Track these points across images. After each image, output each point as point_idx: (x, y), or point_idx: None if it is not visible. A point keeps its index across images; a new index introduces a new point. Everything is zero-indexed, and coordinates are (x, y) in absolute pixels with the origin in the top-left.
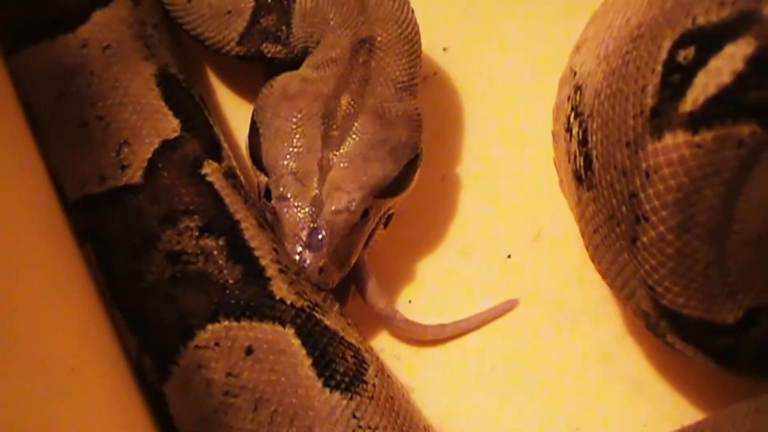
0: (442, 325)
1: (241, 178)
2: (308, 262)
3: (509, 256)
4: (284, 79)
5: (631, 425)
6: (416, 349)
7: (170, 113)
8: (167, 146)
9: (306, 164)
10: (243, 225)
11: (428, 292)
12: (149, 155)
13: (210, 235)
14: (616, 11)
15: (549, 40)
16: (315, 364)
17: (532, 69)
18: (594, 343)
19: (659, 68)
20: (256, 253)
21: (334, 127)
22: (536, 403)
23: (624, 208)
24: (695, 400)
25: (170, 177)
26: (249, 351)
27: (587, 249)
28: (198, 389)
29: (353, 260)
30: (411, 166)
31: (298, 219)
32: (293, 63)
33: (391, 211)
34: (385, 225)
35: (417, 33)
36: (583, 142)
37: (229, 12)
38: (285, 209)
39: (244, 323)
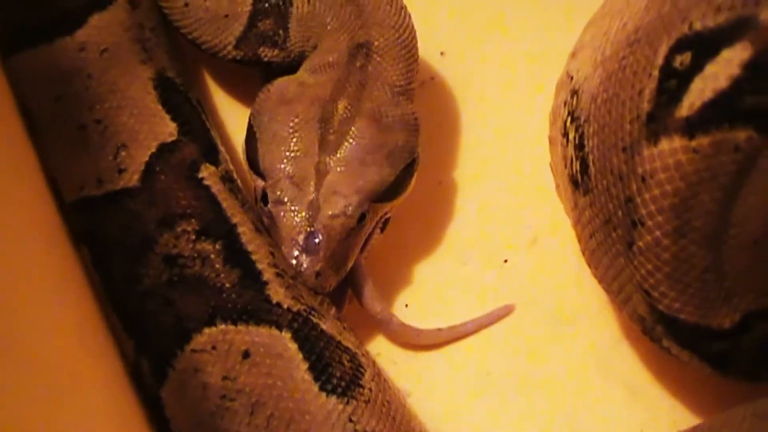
0: (439, 330)
1: (238, 181)
2: (305, 266)
3: (506, 261)
4: (281, 83)
5: (627, 429)
6: (413, 354)
7: (167, 117)
8: (164, 150)
9: (303, 168)
10: (240, 229)
11: (425, 296)
12: (146, 159)
13: (207, 238)
14: (612, 16)
15: (546, 45)
16: (311, 369)
17: (528, 73)
18: (590, 348)
19: (656, 73)
20: (253, 257)
21: (331, 131)
22: (533, 408)
23: (620, 213)
24: (691, 404)
25: (167, 180)
26: (246, 355)
27: (583, 254)
28: (195, 393)
29: (350, 264)
30: (408, 170)
31: (295, 223)
32: (290, 67)
33: (388, 216)
34: (382, 229)
35: (414, 37)
36: (580, 146)
37: (227, 16)
38: (282, 213)
39: (241, 327)
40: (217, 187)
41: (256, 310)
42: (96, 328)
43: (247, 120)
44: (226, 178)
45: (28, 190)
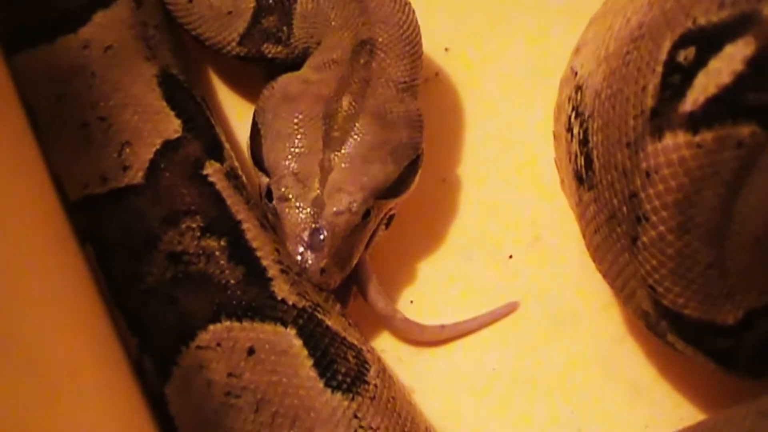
0: (443, 326)
1: (243, 178)
2: (310, 262)
3: (510, 257)
4: (285, 80)
5: (631, 426)
6: (418, 350)
7: (172, 114)
8: (169, 147)
9: (307, 165)
10: (244, 225)
11: (429, 292)
12: (151, 156)
13: (211, 235)
14: (616, 12)
15: (550, 41)
16: (316, 365)
17: (533, 69)
18: (594, 345)
19: (659, 69)
20: (258, 254)
21: (335, 128)
22: (537, 404)
23: (624, 209)
24: (695, 401)
25: (172, 178)
26: (250, 351)
27: (588, 249)
28: (199, 390)
29: (354, 261)
30: (412, 167)
31: (299, 220)
32: (294, 64)
33: (392, 212)
34: (387, 226)
35: (418, 34)
36: (584, 142)
37: (230, 13)
38: (286, 210)
39: (246, 324)
40: (221, 184)
41: (261, 306)
42: (100, 325)
43: (251, 116)
44: (231, 175)
45: (33, 189)
